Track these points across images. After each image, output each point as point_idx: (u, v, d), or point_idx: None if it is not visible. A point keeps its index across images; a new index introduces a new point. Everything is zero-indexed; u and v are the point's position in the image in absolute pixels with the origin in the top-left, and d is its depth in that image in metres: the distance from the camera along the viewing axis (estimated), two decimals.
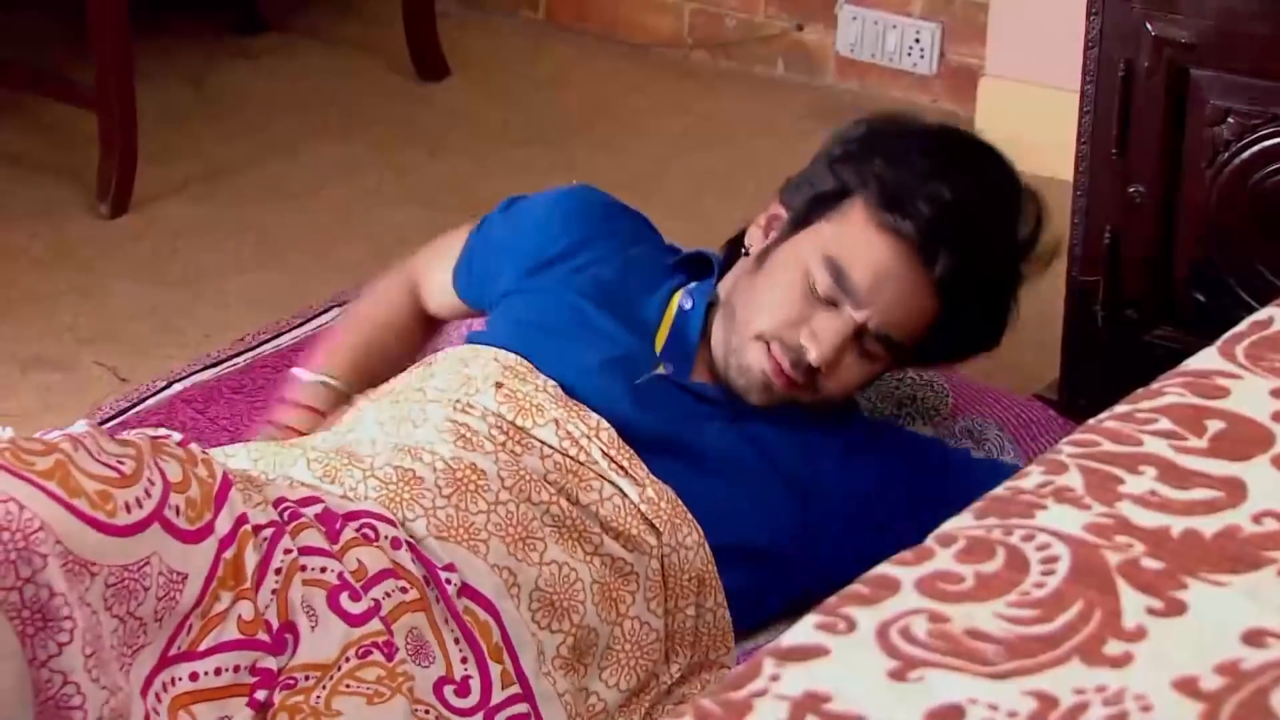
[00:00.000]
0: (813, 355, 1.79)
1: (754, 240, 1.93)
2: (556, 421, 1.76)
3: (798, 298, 1.81)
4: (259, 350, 2.47)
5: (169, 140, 3.32)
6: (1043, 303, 2.13)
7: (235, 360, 2.46)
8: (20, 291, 2.86)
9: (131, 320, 2.81)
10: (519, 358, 1.82)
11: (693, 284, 1.93)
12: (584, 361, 1.83)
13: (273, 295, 2.78)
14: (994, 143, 1.95)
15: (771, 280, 1.83)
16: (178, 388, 2.41)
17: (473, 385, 1.79)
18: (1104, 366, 2.29)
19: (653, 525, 1.74)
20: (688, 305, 1.88)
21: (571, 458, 1.75)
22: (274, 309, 2.65)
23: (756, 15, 3.69)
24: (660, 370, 1.86)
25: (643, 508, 1.75)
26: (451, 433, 1.73)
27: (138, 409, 2.35)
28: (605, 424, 1.77)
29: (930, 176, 1.81)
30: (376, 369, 2.02)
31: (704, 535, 1.77)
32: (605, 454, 1.76)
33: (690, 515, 1.77)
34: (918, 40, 3.52)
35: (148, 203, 3.13)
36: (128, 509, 1.43)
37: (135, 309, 2.84)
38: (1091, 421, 1.41)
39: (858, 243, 1.80)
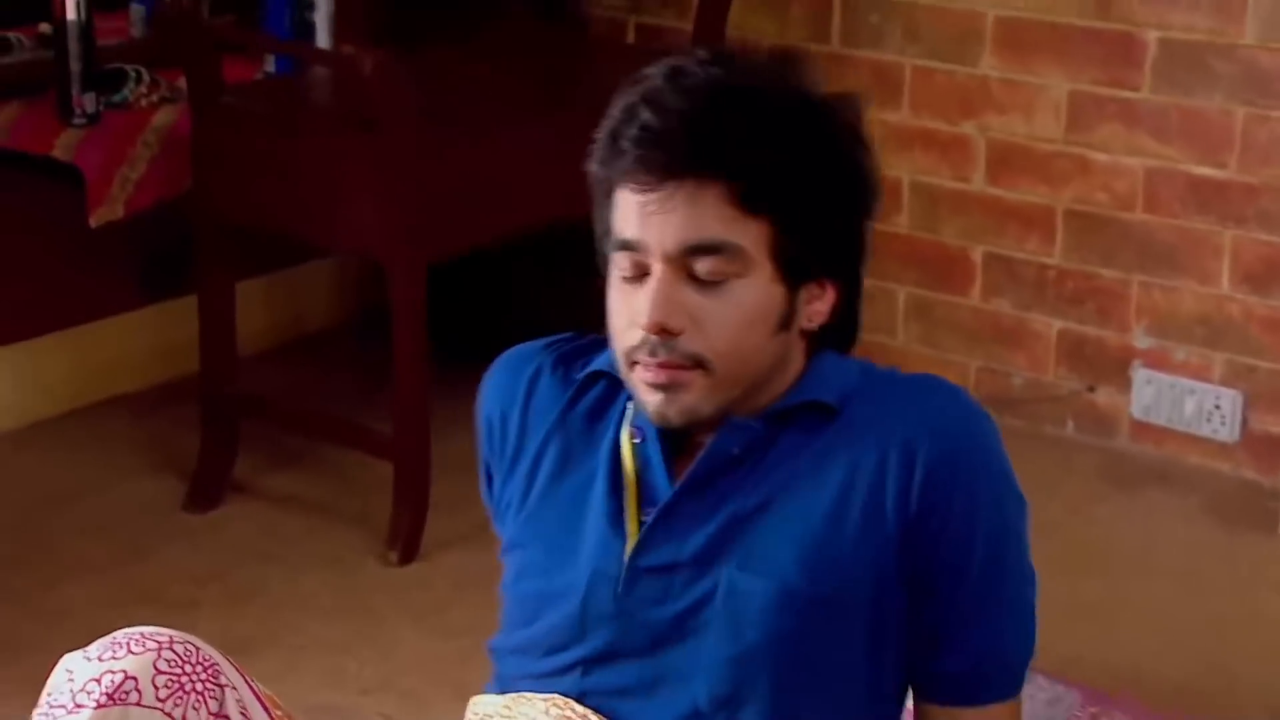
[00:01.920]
0: (643, 322, 1.59)
1: None
2: None
3: (622, 299, 1.63)
4: None
5: (457, 487, 3.36)
6: None
7: None
8: (308, 639, 2.89)
9: (414, 671, 2.81)
10: (511, 699, 1.72)
11: (628, 404, 1.71)
12: (563, 621, 1.68)
13: None
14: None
15: (609, 313, 1.66)
16: None
17: None
18: None
19: None
20: (638, 439, 1.68)
21: None
22: None
23: (1046, 375, 3.65)
24: (632, 540, 1.65)
25: None
26: None
27: None
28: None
29: (623, 109, 1.63)
30: None
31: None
32: None
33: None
34: (1218, 406, 3.44)
35: (435, 550, 3.17)
36: None
37: (418, 659, 2.84)
38: None
39: (617, 212, 1.63)
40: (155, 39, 3.46)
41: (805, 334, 1.68)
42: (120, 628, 1.65)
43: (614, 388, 1.73)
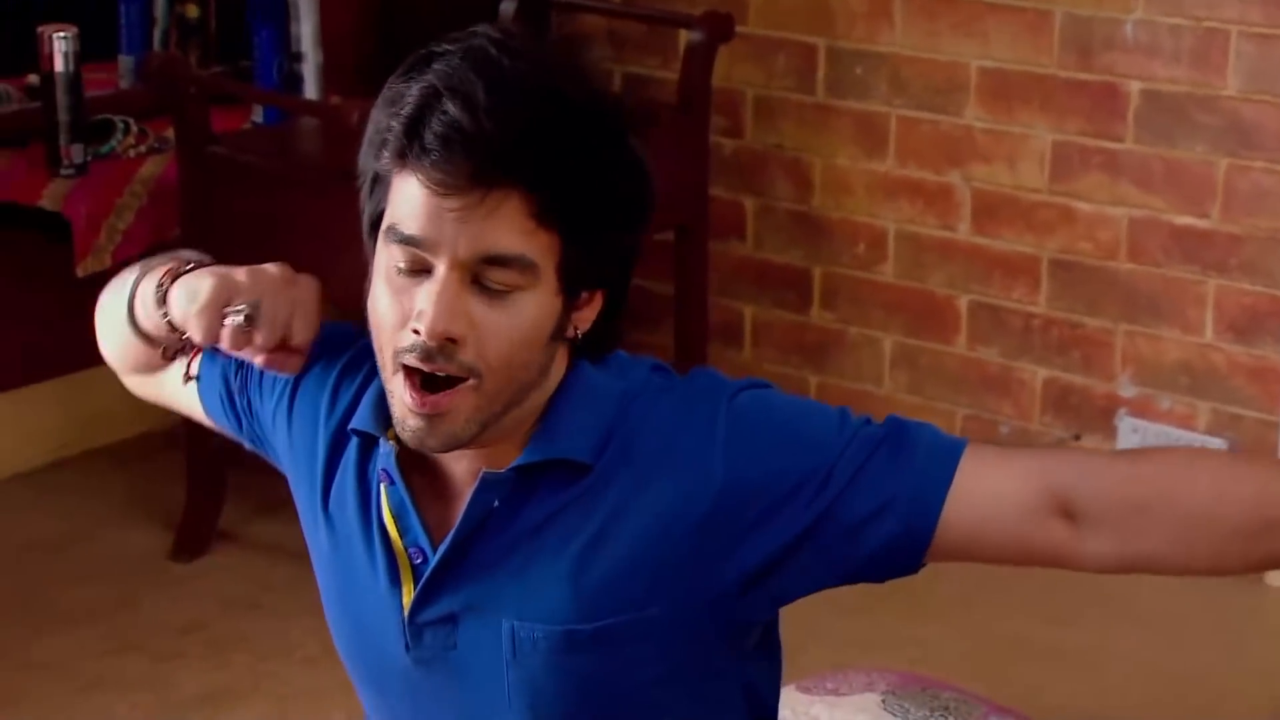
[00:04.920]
0: (423, 328, 1.50)
1: None
2: None
3: (394, 293, 1.54)
4: None
5: None
6: None
7: None
8: (293, 689, 2.86)
9: None
10: None
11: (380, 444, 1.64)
12: (368, 667, 1.68)
13: None
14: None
15: (372, 305, 1.57)
16: None
17: None
18: None
19: None
20: (386, 482, 1.63)
21: None
22: None
23: (1031, 423, 3.66)
24: (407, 591, 1.61)
25: None
26: None
27: None
28: None
29: (420, 92, 1.51)
30: None
31: None
32: None
33: None
34: None
35: None
36: None
37: None
38: None
39: (397, 200, 1.53)
40: (143, 89, 3.48)
41: (567, 341, 1.61)
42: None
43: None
